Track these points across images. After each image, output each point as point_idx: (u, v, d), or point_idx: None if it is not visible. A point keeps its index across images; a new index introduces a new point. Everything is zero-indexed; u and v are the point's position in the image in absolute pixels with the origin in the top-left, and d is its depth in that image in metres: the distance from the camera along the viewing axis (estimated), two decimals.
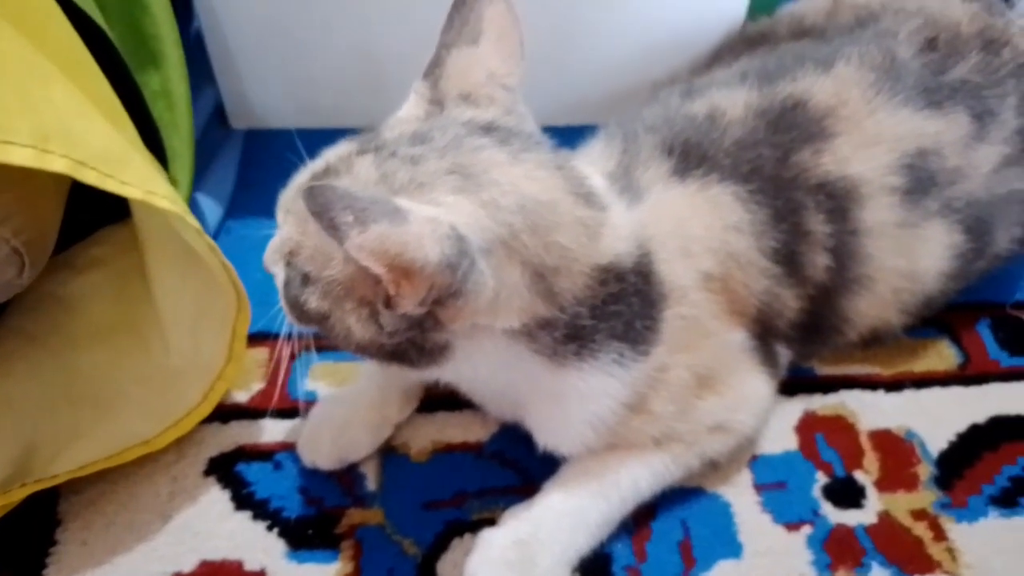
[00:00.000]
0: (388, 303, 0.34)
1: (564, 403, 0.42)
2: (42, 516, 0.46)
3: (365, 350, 0.38)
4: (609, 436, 0.43)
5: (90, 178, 0.34)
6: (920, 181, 0.48)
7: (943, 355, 0.55)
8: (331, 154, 0.38)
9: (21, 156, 0.32)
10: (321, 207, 0.30)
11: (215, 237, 0.60)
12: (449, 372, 0.41)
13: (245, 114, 0.68)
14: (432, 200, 0.34)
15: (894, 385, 0.53)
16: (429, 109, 0.40)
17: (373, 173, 0.36)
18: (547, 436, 0.44)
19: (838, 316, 0.49)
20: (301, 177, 0.38)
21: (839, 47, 0.50)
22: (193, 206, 0.60)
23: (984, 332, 0.56)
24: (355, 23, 0.59)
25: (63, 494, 0.46)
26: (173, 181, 0.53)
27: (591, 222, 0.38)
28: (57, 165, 0.33)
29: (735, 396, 0.46)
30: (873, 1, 0.57)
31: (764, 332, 0.47)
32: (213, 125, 0.68)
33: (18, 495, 0.43)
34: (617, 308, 0.39)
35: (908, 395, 0.53)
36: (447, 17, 0.39)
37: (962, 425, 0.51)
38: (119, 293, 0.49)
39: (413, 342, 0.37)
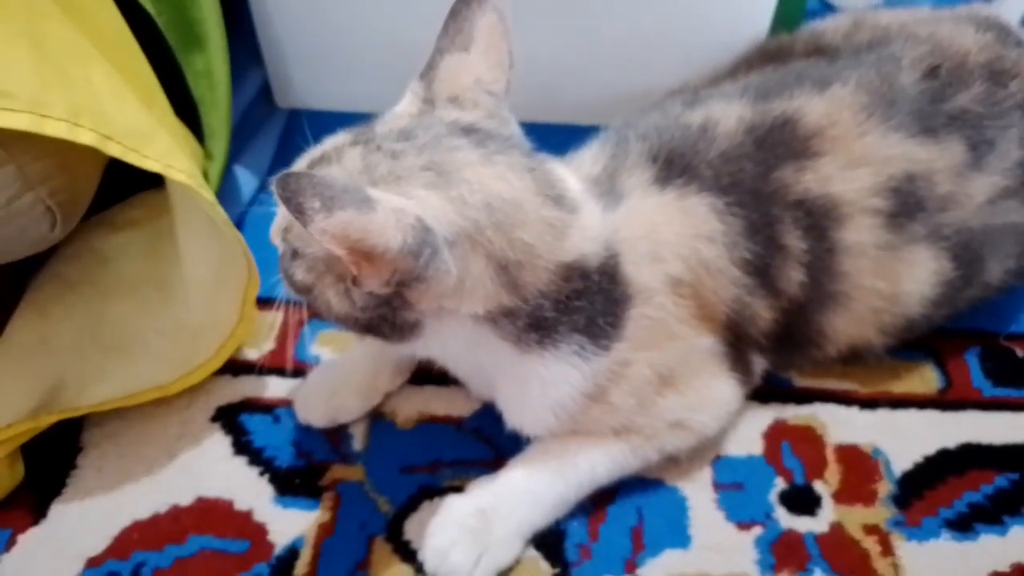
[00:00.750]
0: (355, 281, 0.38)
1: (527, 387, 0.45)
2: (66, 443, 0.52)
3: (343, 322, 0.42)
4: (570, 422, 0.46)
5: (114, 151, 0.39)
6: (906, 205, 0.49)
7: (925, 378, 0.56)
8: (329, 142, 0.42)
9: (55, 128, 0.37)
10: (289, 193, 0.34)
11: (249, 206, 0.66)
12: (422, 348, 0.45)
13: (289, 94, 0.73)
14: (405, 192, 0.38)
15: (869, 403, 0.54)
16: (422, 107, 0.43)
17: (359, 163, 0.39)
18: (513, 416, 0.47)
19: (814, 330, 0.50)
20: (300, 162, 0.42)
21: (840, 69, 0.52)
22: (230, 176, 0.65)
23: (972, 360, 0.57)
24: (394, 13, 0.63)
25: (86, 425, 0.52)
26: (209, 155, 0.58)
27: (557, 222, 0.41)
28: (85, 138, 0.38)
29: (697, 397, 0.48)
30: (892, 24, 0.58)
31: (736, 339, 0.49)
32: (259, 102, 0.73)
33: (45, 422, 0.49)
34: (580, 303, 0.42)
35: (882, 414, 0.54)
36: (443, 24, 0.43)
37: (931, 448, 0.52)
38: (150, 251, 0.55)
39: (385, 318, 0.41)
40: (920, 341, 0.56)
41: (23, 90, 0.37)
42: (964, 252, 0.51)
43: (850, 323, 0.50)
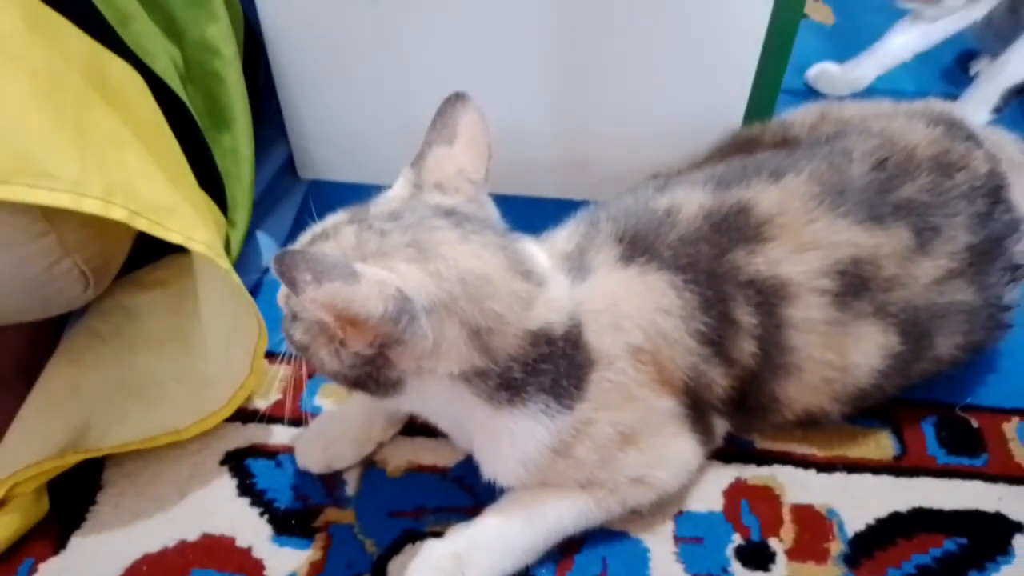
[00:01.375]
0: (343, 343, 0.44)
1: (500, 440, 0.50)
2: (88, 480, 0.57)
3: (334, 377, 0.47)
4: (538, 474, 0.51)
5: (141, 225, 0.45)
6: (853, 285, 0.53)
7: (881, 445, 0.59)
8: (330, 220, 0.48)
9: (91, 206, 0.43)
10: (284, 268, 0.40)
11: (268, 268, 0.72)
12: (405, 403, 0.50)
13: (310, 166, 0.80)
14: (389, 266, 0.44)
15: (826, 466, 0.58)
16: (412, 191, 0.49)
17: (353, 240, 0.45)
18: (488, 467, 0.52)
19: (768, 397, 0.55)
20: (304, 237, 0.48)
21: (795, 160, 0.57)
22: (252, 242, 0.72)
23: (928, 429, 0.60)
24: (403, 98, 0.71)
25: (107, 465, 0.58)
26: (232, 224, 0.65)
27: (525, 294, 0.46)
28: (117, 214, 0.44)
29: (656, 455, 0.52)
30: (854, 117, 0.64)
31: (696, 403, 0.54)
32: (283, 174, 0.81)
33: (71, 460, 0.55)
34: (546, 366, 0.47)
35: (838, 477, 0.58)
36: (432, 121, 0.49)
37: (884, 511, 0.56)
38: (174, 308, 0.61)
39: (370, 375, 0.46)
40: (878, 409, 0.60)
41: (66, 173, 0.43)
42: (911, 328, 0.55)
43: (803, 391, 0.55)
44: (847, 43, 0.96)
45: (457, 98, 0.50)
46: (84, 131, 0.45)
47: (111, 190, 0.44)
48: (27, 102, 0.43)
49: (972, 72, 0.95)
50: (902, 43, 0.88)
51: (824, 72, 0.92)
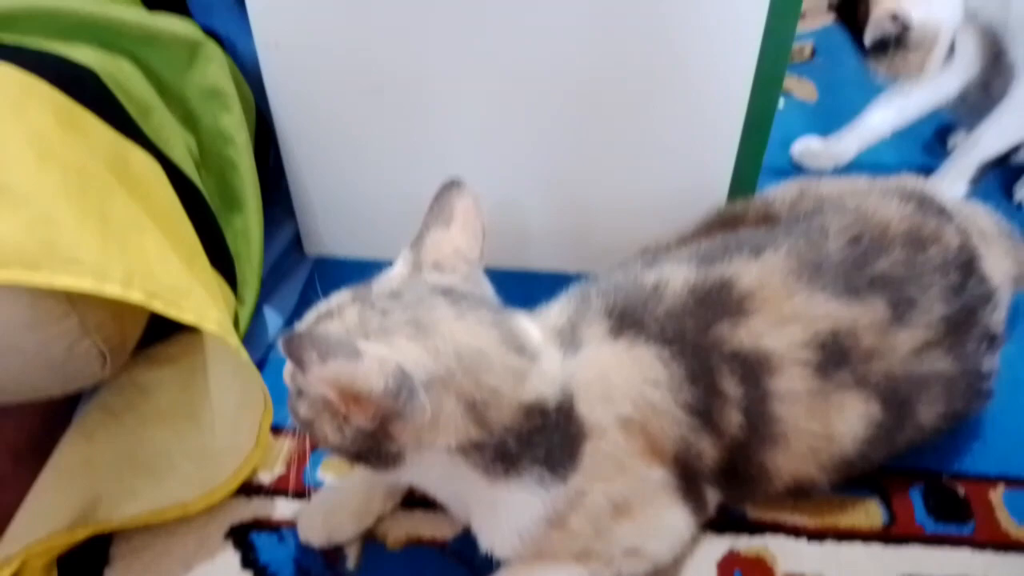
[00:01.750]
0: (345, 418, 0.46)
1: (496, 512, 0.51)
2: (97, 555, 0.58)
3: (337, 451, 0.49)
4: (534, 546, 0.52)
5: (158, 306, 0.48)
6: (833, 356, 0.56)
7: (870, 513, 0.61)
8: (334, 299, 0.51)
9: (112, 289, 0.46)
10: (291, 348, 0.42)
11: (273, 342, 0.75)
12: (405, 476, 0.52)
13: (316, 243, 0.84)
14: (390, 343, 0.46)
15: (817, 535, 0.59)
16: (411, 270, 0.52)
17: (356, 319, 0.48)
18: (485, 539, 0.53)
19: (757, 467, 0.56)
20: (310, 315, 0.51)
21: (775, 237, 0.60)
22: (259, 317, 0.75)
23: (916, 497, 0.62)
24: (408, 177, 0.74)
25: (115, 539, 0.59)
26: (241, 301, 0.68)
27: (518, 368, 0.49)
28: (135, 297, 0.47)
29: (650, 525, 0.54)
30: (831, 194, 0.67)
31: (687, 473, 0.55)
32: (290, 251, 0.84)
33: (80, 535, 0.56)
34: (540, 438, 0.49)
35: (829, 546, 0.59)
36: (430, 205, 0.53)
37: None
38: (184, 385, 0.63)
39: (371, 449, 0.48)
40: (866, 478, 0.61)
41: (89, 259, 0.47)
42: (892, 397, 0.57)
43: (790, 461, 0.56)
44: (830, 119, 1.01)
45: (453, 184, 0.53)
46: (107, 219, 0.48)
47: (130, 274, 0.47)
48: (57, 194, 0.46)
49: (950, 146, 0.99)
50: (881, 119, 0.92)
51: (808, 148, 0.97)
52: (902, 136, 0.94)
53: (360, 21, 0.64)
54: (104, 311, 0.51)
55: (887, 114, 0.92)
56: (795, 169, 0.97)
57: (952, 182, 0.87)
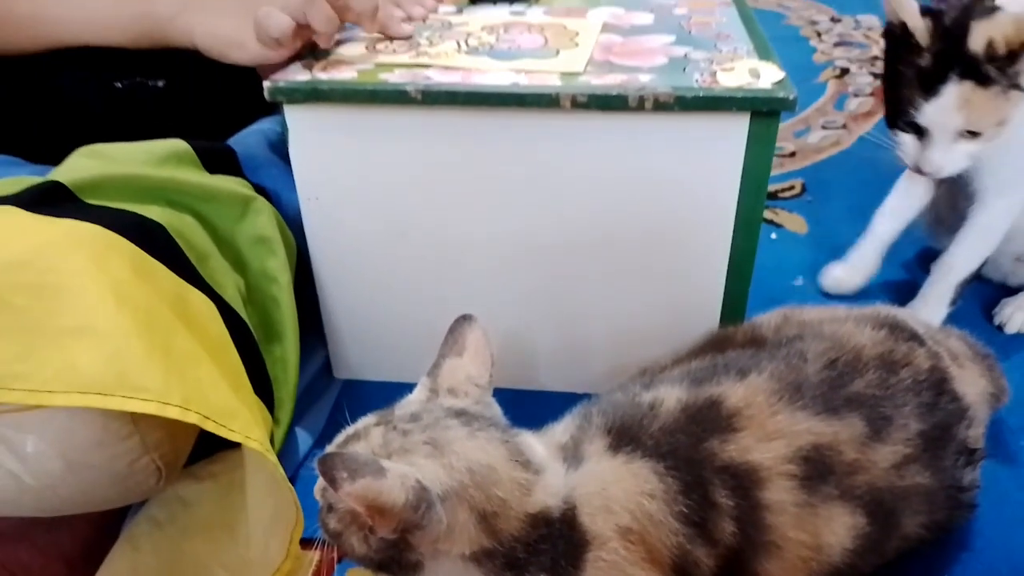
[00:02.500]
0: (371, 530, 0.52)
1: None
2: None
3: (363, 561, 0.55)
4: None
5: (209, 427, 0.55)
6: (817, 470, 0.60)
7: None
8: (360, 423, 0.58)
9: (172, 412, 0.53)
10: (325, 468, 0.49)
11: (304, 460, 0.81)
12: None
13: (345, 367, 0.91)
14: (410, 461, 0.52)
15: None
16: (429, 395, 0.59)
17: (380, 440, 0.55)
18: None
19: (751, 574, 0.60)
20: (339, 437, 0.58)
21: (759, 360, 0.66)
22: (291, 436, 0.81)
23: None
24: (427, 310, 0.82)
25: None
26: (276, 422, 0.75)
27: (524, 481, 0.54)
28: (191, 419, 0.54)
29: None
30: (812, 321, 0.74)
31: None
32: (320, 375, 0.91)
33: None
34: (545, 547, 0.54)
35: None
36: (445, 337, 0.60)
37: None
38: (222, 499, 0.69)
39: (393, 558, 0.53)
40: None
41: (154, 387, 0.54)
42: (877, 509, 0.61)
43: (783, 569, 0.60)
44: (819, 248, 1.09)
45: (465, 319, 0.61)
46: (169, 352, 0.56)
47: (188, 399, 0.54)
48: (129, 333, 0.54)
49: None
50: (883, 226, 0.99)
51: (832, 275, 1.02)
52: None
53: (388, 181, 0.74)
54: (162, 431, 0.58)
55: (886, 220, 0.99)
56: (788, 294, 1.04)
57: (933, 307, 0.93)
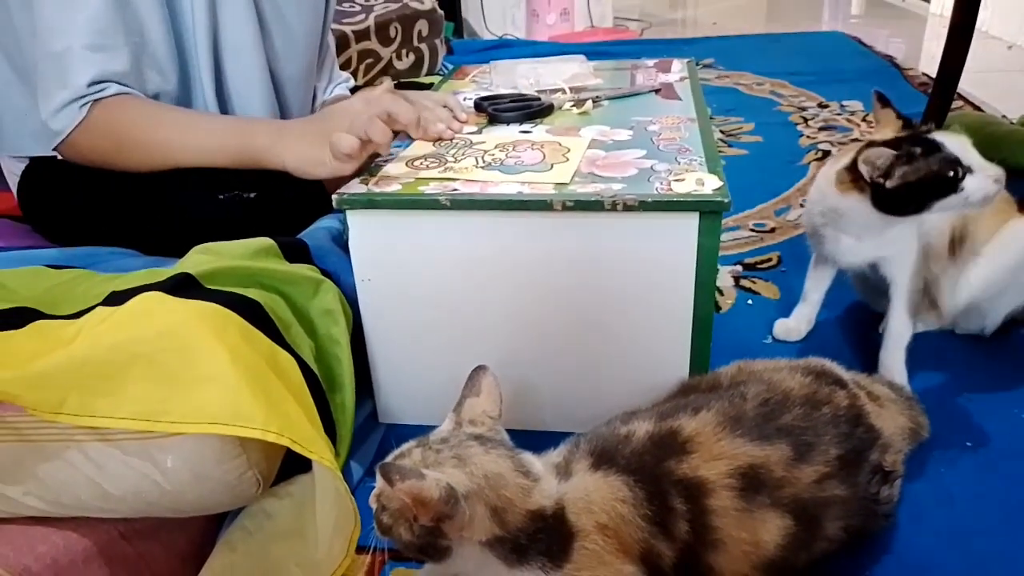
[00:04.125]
0: (415, 518, 0.71)
1: None
2: None
3: (407, 548, 0.73)
4: None
5: (297, 449, 0.75)
6: (752, 484, 0.78)
7: None
8: (405, 446, 0.78)
9: (271, 438, 0.74)
10: (384, 472, 0.69)
11: (357, 485, 1.00)
12: (452, 567, 0.76)
13: (388, 414, 1.11)
14: (442, 470, 0.72)
15: None
16: (454, 426, 0.79)
17: (419, 456, 0.74)
18: None
19: (705, 566, 0.77)
20: (391, 456, 0.78)
21: (709, 400, 0.85)
22: (346, 468, 1.01)
23: None
24: (456, 365, 1.02)
25: None
26: (337, 454, 0.95)
27: (525, 486, 0.73)
28: (283, 442, 0.74)
29: None
30: (759, 371, 0.93)
31: (652, 570, 0.77)
32: (368, 419, 1.12)
33: None
34: (541, 536, 0.73)
35: None
36: (465, 382, 0.81)
37: None
38: (298, 512, 0.89)
39: (431, 544, 0.72)
40: None
41: (257, 418, 0.74)
42: (802, 514, 0.78)
43: (729, 562, 0.77)
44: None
45: (480, 368, 0.81)
46: (268, 395, 0.77)
47: (282, 429, 0.75)
48: (240, 380, 0.75)
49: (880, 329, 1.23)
50: (813, 291, 1.21)
51: (784, 325, 1.24)
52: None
53: (424, 267, 0.95)
54: (261, 453, 0.78)
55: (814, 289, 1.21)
56: (758, 351, 1.22)
57: (895, 372, 1.09)
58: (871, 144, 0.98)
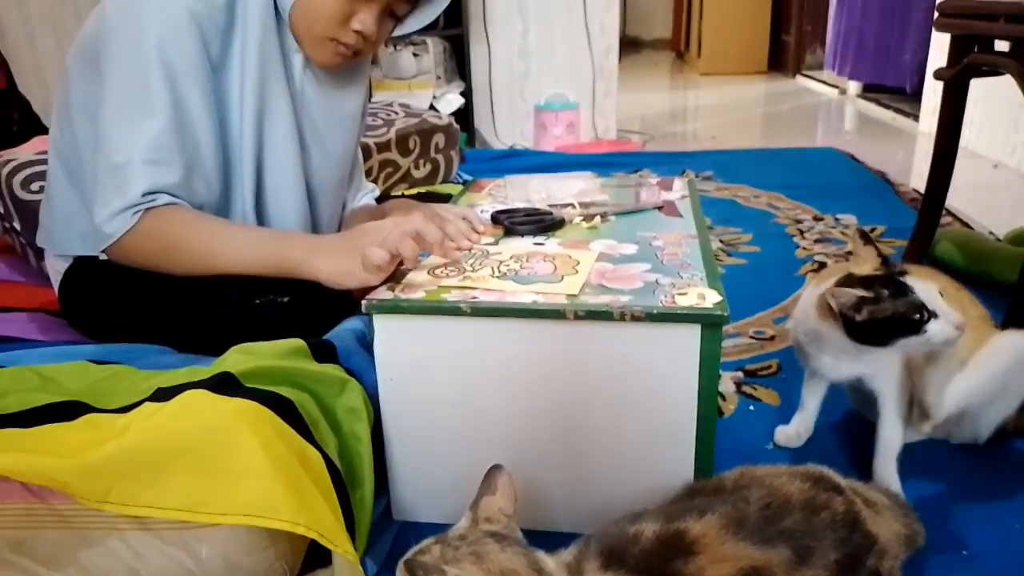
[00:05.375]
0: None
1: None
2: None
3: None
4: None
5: (323, 542, 0.80)
6: None
7: None
8: (424, 543, 0.82)
9: (299, 530, 0.79)
10: (409, 570, 0.73)
11: None
12: None
13: (402, 511, 1.15)
14: (460, 567, 0.76)
15: None
16: (471, 523, 0.84)
17: (439, 553, 0.79)
18: None
19: None
20: (410, 552, 0.82)
21: (714, 504, 0.90)
22: (362, 563, 1.04)
23: None
24: (470, 464, 1.07)
25: None
26: (356, 548, 0.99)
27: None
28: (311, 535, 0.79)
29: None
30: (761, 476, 0.98)
31: None
32: (383, 515, 1.16)
33: None
34: None
35: None
36: (482, 481, 0.86)
37: None
38: None
39: None
40: None
41: (287, 513, 0.79)
42: None
43: None
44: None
45: (496, 467, 0.87)
46: (298, 490, 0.82)
47: (310, 522, 0.80)
48: (274, 475, 0.81)
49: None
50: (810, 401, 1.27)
51: (784, 432, 1.29)
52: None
53: (444, 368, 1.02)
54: (288, 544, 0.83)
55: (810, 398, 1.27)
56: (760, 456, 1.27)
57: (889, 478, 1.14)
58: (850, 276, 1.07)
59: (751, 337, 1.67)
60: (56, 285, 1.32)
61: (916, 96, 3.94)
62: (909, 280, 1.05)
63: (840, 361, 1.14)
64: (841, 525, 0.88)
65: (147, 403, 0.86)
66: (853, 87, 4.87)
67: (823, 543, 0.86)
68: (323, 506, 0.84)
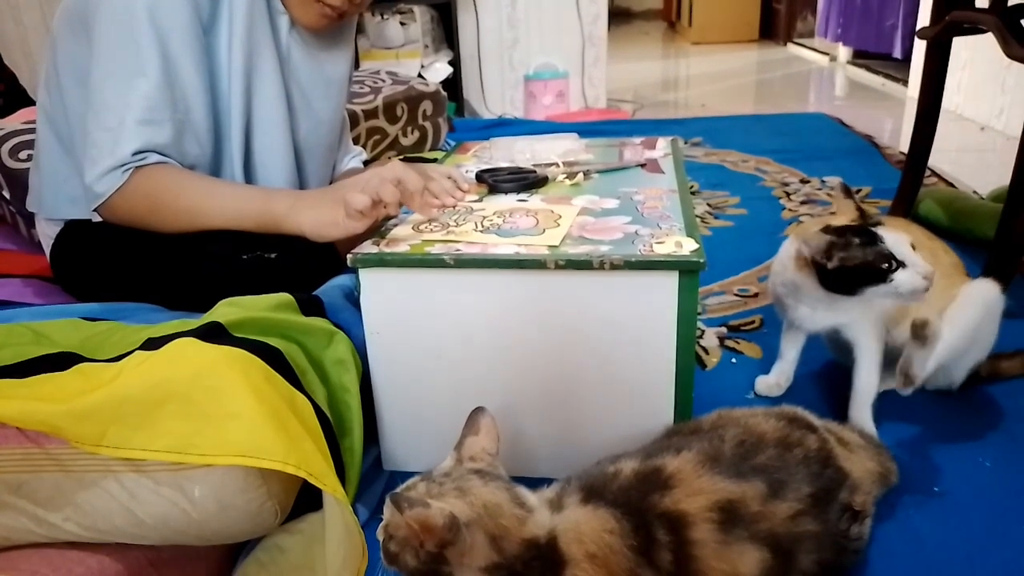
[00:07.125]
0: (421, 545, 0.78)
1: None
2: None
3: (413, 574, 0.80)
4: None
5: (313, 481, 0.83)
6: (730, 517, 0.85)
7: None
8: (411, 480, 0.85)
9: (290, 470, 0.81)
10: (395, 500, 0.76)
11: (364, 526, 1.06)
12: None
13: (392, 461, 1.18)
14: (445, 501, 0.79)
15: None
16: (456, 462, 0.87)
17: (424, 489, 0.82)
18: None
19: None
20: (400, 488, 0.85)
21: (690, 442, 0.93)
22: (353, 509, 1.07)
23: None
24: (456, 411, 1.10)
25: None
26: (347, 494, 1.02)
27: (520, 516, 0.80)
28: (301, 474, 0.82)
29: None
30: (737, 417, 1.01)
31: None
32: (374, 466, 1.18)
33: None
34: (535, 563, 0.79)
35: None
36: (465, 422, 0.88)
37: None
38: (308, 549, 0.95)
39: (434, 571, 0.79)
40: None
41: (279, 453, 0.82)
42: (778, 548, 0.85)
43: None
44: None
45: (479, 409, 0.89)
46: (287, 432, 0.85)
47: (299, 463, 0.83)
48: (264, 418, 0.83)
49: None
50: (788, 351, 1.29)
51: (764, 381, 1.32)
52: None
53: (429, 320, 1.04)
54: (280, 485, 0.86)
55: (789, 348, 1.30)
56: (740, 405, 1.30)
57: (863, 425, 1.18)
58: (826, 227, 1.09)
59: (735, 295, 1.70)
60: (47, 250, 1.34)
61: (907, 62, 3.95)
62: (880, 230, 1.07)
63: (816, 312, 1.17)
64: (814, 461, 0.92)
65: (137, 351, 0.88)
66: (844, 53, 4.87)
67: (796, 478, 0.89)
68: (312, 448, 0.87)
